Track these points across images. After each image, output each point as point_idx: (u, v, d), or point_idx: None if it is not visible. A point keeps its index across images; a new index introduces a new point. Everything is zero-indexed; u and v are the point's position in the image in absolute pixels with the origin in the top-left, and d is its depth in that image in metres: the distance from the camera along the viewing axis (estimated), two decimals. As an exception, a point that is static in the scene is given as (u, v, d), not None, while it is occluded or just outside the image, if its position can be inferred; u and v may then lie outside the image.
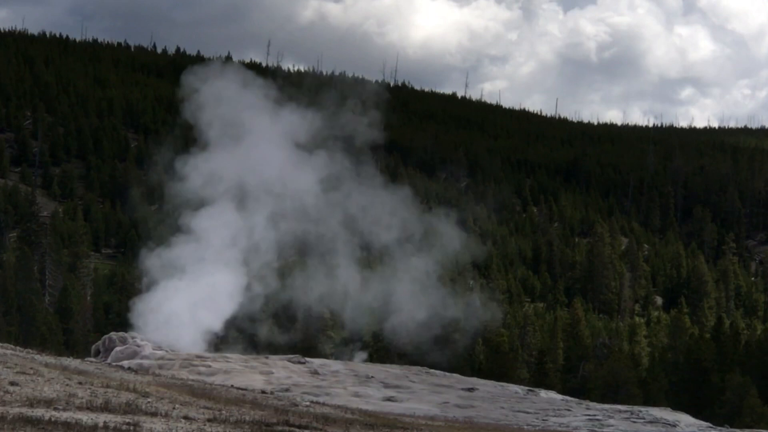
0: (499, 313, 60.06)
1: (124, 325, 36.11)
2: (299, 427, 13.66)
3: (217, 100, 37.49)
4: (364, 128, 41.54)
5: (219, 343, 39.59)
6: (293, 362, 31.38)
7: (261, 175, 37.16)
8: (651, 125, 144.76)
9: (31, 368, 15.18)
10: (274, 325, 58.13)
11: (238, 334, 51.43)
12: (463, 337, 56.95)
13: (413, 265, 45.21)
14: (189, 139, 40.83)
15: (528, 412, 27.45)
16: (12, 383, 13.48)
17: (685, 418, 29.60)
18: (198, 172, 36.70)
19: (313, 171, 38.51)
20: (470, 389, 30.92)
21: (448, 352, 51.56)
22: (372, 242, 56.82)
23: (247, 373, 29.04)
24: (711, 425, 30.31)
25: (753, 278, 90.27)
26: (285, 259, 41.29)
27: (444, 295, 47.46)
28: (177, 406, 13.95)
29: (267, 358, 32.19)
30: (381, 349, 53.48)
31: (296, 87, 40.71)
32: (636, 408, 30.96)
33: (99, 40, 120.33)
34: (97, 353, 31.36)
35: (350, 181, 41.46)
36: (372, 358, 48.06)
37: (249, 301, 36.43)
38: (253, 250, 36.66)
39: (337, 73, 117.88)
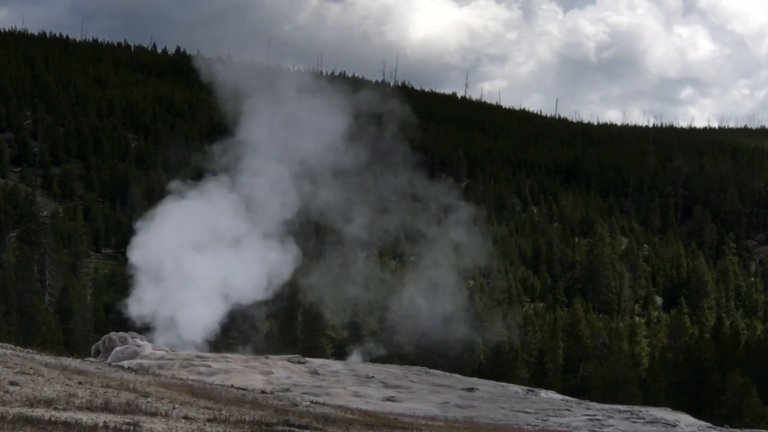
0: (517, 337, 60.12)
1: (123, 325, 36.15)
2: (299, 427, 13.66)
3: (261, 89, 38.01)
4: (396, 126, 42.09)
5: (220, 342, 39.61)
6: (293, 362, 31.39)
7: (299, 159, 37.61)
8: (651, 125, 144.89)
9: (31, 368, 15.17)
10: (275, 324, 58.17)
11: (239, 334, 51.46)
12: (475, 354, 57.05)
13: (436, 272, 45.38)
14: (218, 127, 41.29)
15: (528, 412, 27.46)
16: (12, 383, 13.47)
17: (685, 418, 29.62)
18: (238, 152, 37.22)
19: (347, 163, 38.98)
20: (470, 389, 30.94)
21: (450, 355, 51.67)
22: (399, 242, 56.57)
23: (247, 373, 29.05)
24: (711, 425, 30.34)
25: (753, 278, 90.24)
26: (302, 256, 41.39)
27: (464, 315, 47.61)
28: (177, 406, 13.94)
29: (267, 358, 32.20)
30: (382, 348, 53.46)
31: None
32: (636, 408, 30.98)
33: (99, 40, 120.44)
34: (97, 353, 31.36)
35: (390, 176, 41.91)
36: (371, 358, 48.07)
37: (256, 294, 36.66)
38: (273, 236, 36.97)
39: (337, 73, 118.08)
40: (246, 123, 37.70)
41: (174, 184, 37.29)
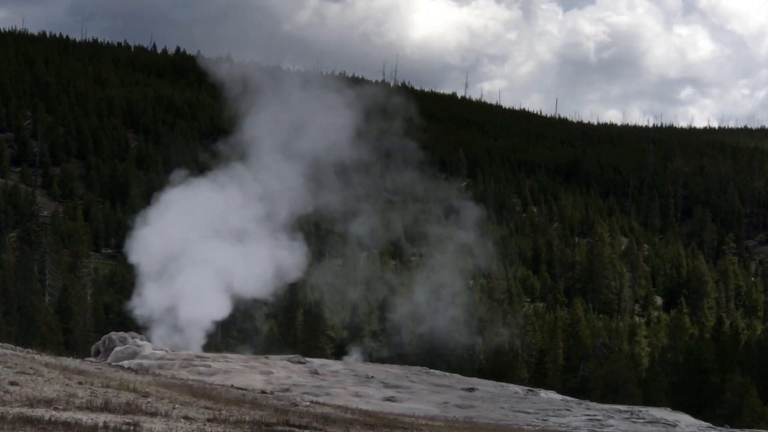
0: (517, 337, 60.11)
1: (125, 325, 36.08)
2: (299, 427, 13.65)
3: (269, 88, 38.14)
4: (401, 125, 42.16)
5: (220, 342, 39.60)
6: (293, 362, 31.38)
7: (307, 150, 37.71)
8: (651, 125, 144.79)
9: (31, 368, 15.17)
10: (275, 323, 58.14)
11: (239, 334, 51.44)
12: (475, 354, 57.01)
13: (437, 272, 45.30)
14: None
15: (528, 412, 27.45)
16: (12, 383, 13.47)
17: (685, 418, 29.62)
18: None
19: (353, 162, 39.03)
20: (470, 389, 30.93)
21: (450, 355, 51.64)
22: (400, 242, 56.20)
23: (247, 373, 29.04)
24: (711, 425, 30.34)
25: (753, 278, 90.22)
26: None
27: (465, 315, 47.53)
28: (177, 406, 13.94)
29: (267, 358, 32.20)
30: (383, 348, 53.50)
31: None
32: (636, 408, 30.98)
33: (99, 40, 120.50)
34: (97, 353, 31.34)
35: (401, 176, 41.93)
36: (371, 358, 48.06)
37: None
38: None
39: (337, 73, 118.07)
40: (253, 121, 37.72)
41: (177, 175, 37.24)
